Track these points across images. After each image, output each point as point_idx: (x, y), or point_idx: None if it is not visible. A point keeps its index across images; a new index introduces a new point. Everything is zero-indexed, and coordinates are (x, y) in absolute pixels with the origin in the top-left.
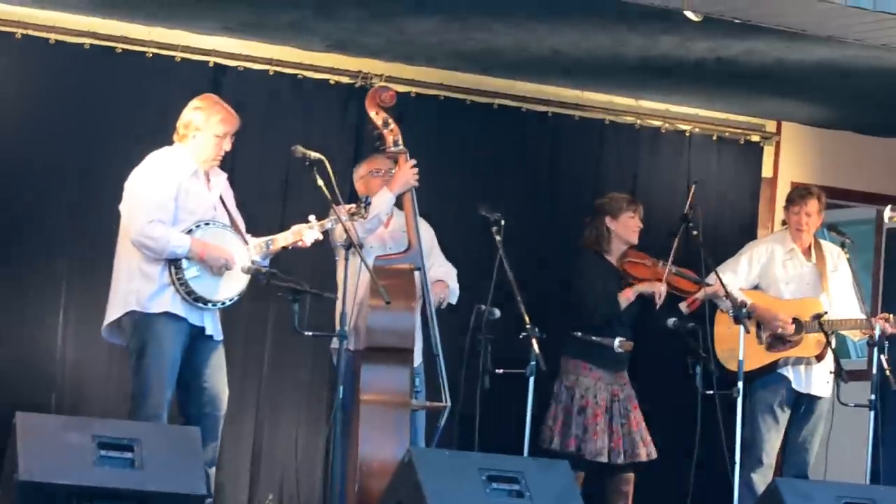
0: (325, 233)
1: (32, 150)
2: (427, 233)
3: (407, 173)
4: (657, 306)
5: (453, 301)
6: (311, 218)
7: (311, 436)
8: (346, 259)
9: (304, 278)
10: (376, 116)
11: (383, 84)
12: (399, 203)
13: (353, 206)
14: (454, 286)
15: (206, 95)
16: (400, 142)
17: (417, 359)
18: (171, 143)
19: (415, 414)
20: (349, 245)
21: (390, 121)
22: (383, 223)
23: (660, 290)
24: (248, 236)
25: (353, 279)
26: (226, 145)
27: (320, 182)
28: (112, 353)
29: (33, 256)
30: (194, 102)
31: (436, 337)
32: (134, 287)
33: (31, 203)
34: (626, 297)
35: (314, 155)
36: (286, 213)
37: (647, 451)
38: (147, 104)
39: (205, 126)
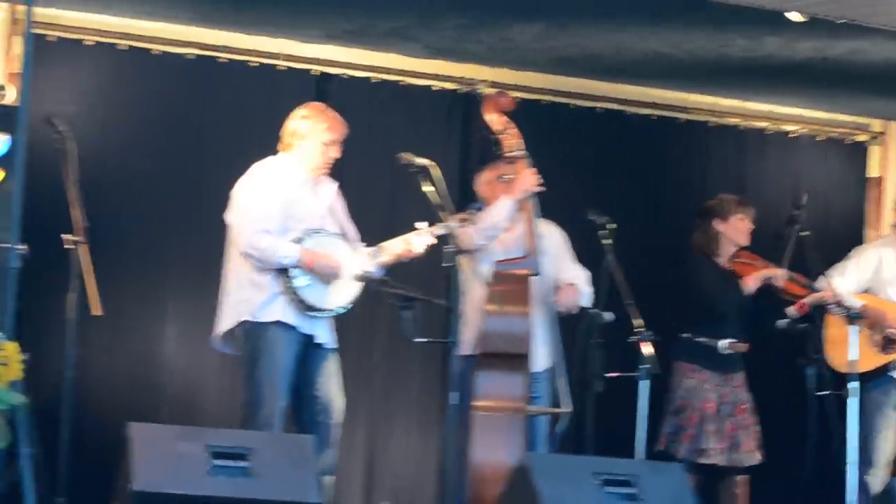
0: (439, 238)
1: (137, 161)
2: (556, 237)
3: (527, 179)
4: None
5: (586, 304)
6: (420, 224)
7: (425, 443)
8: (453, 266)
9: (416, 285)
10: (495, 121)
11: (501, 90)
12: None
13: (463, 213)
14: (585, 289)
15: (313, 104)
16: (520, 147)
17: (540, 364)
18: (275, 152)
19: (535, 419)
20: (457, 252)
21: (508, 125)
22: (505, 229)
23: (779, 274)
24: (360, 245)
25: (469, 285)
26: (333, 153)
27: (428, 189)
28: (223, 361)
29: (141, 267)
30: (300, 111)
31: (557, 343)
32: (245, 296)
33: (138, 213)
34: (749, 284)
35: (421, 161)
36: (394, 221)
37: (755, 454)
38: (251, 113)
39: (311, 134)
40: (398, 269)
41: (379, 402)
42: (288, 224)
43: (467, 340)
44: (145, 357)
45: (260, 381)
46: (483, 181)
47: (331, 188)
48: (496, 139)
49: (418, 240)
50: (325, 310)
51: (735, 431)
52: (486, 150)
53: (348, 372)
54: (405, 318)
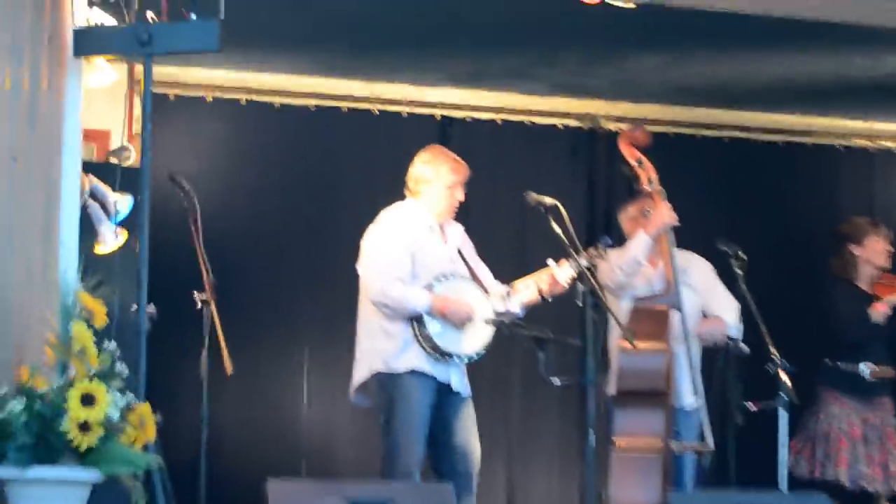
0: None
1: (263, 215)
2: (701, 268)
3: (663, 213)
4: None
5: (734, 335)
6: (550, 262)
7: (566, 486)
8: (587, 305)
9: (552, 326)
10: (630, 155)
11: (637, 124)
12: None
13: (592, 249)
14: (732, 320)
15: (433, 147)
16: (655, 181)
17: (686, 400)
18: (402, 198)
19: (681, 457)
20: (590, 291)
21: (644, 160)
22: (643, 266)
23: None
24: (496, 284)
25: (612, 324)
26: (458, 195)
27: (556, 228)
28: (359, 412)
29: (272, 322)
30: (421, 156)
31: (697, 379)
32: (378, 346)
33: (266, 268)
34: (879, 310)
35: (548, 201)
36: (523, 262)
37: None
38: (375, 161)
39: (435, 178)
40: (532, 311)
41: (517, 446)
42: (417, 270)
43: (611, 378)
44: (279, 413)
45: (397, 431)
46: (627, 216)
47: (457, 231)
48: (633, 174)
49: (561, 272)
50: (459, 355)
51: (886, 458)
52: (615, 186)
53: (484, 416)
54: (541, 359)
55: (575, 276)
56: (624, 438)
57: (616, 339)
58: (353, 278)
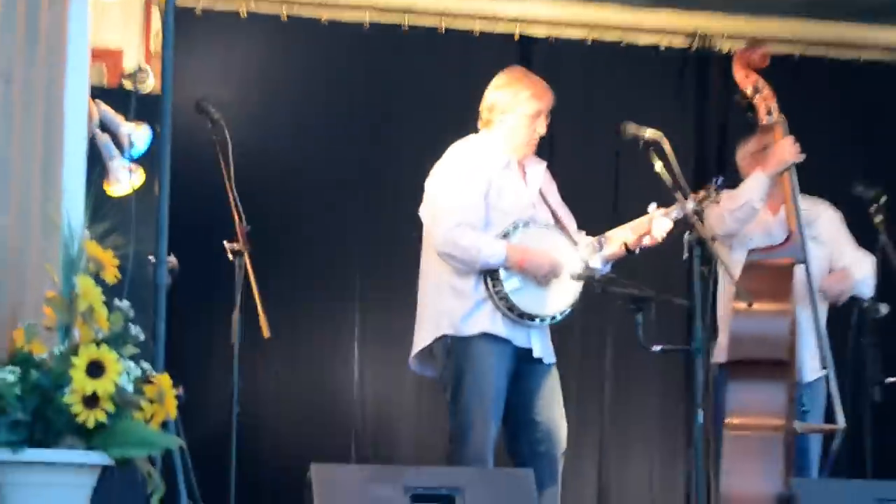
0: (677, 223)
1: (306, 152)
2: (828, 217)
3: (784, 149)
4: None
5: (866, 294)
6: (652, 207)
7: (669, 472)
8: (695, 258)
9: (651, 282)
10: (745, 81)
11: (753, 43)
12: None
13: (702, 191)
14: (863, 276)
15: (513, 69)
16: (774, 111)
17: (810, 372)
18: (475, 130)
19: (805, 439)
20: (698, 241)
21: (762, 86)
22: (758, 211)
23: None
24: (580, 235)
25: (721, 280)
26: (540, 128)
27: (658, 165)
28: (420, 385)
29: (318, 276)
30: (497, 80)
31: (825, 347)
32: (445, 306)
33: (310, 215)
34: None
35: (649, 133)
36: (618, 207)
37: None
38: (442, 89)
39: (513, 106)
40: (628, 265)
41: (610, 425)
42: (492, 216)
43: (721, 346)
44: (326, 386)
45: (467, 407)
46: (744, 154)
47: (539, 169)
48: (748, 102)
49: (658, 223)
50: (541, 317)
51: None
52: (728, 118)
53: (570, 390)
54: (638, 322)
55: (671, 228)
56: (738, 417)
57: (728, 299)
58: (416, 224)
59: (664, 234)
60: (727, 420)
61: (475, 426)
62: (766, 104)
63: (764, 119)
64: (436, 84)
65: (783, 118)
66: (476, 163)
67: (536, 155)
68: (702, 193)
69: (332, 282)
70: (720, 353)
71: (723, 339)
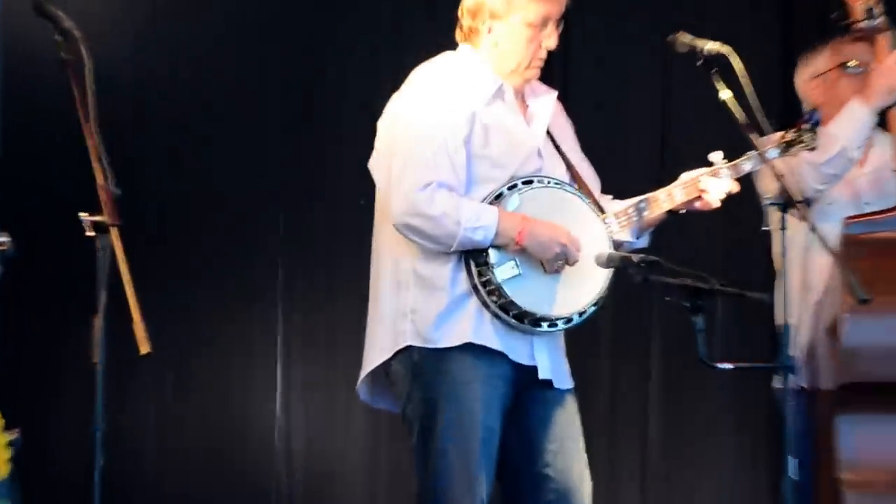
0: (742, 180)
1: (210, 84)
2: None
3: (893, 69)
4: None
5: None
6: (716, 156)
7: None
8: (784, 227)
9: (710, 268)
10: None
11: None
12: (882, 121)
13: (790, 131)
14: None
15: None
16: (877, 13)
17: None
18: (451, 46)
19: None
20: (786, 203)
21: None
22: (856, 161)
23: None
24: (605, 199)
25: (799, 262)
26: (548, 40)
27: (725, 93)
28: (373, 421)
29: (222, 265)
30: None
31: None
32: (407, 305)
33: (213, 173)
34: None
35: (710, 46)
36: (665, 151)
37: None
38: None
39: (507, 9)
40: (675, 240)
41: (654, 479)
42: (477, 171)
43: (807, 364)
44: (234, 421)
45: (443, 455)
46: (806, 76)
47: (547, 103)
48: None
49: (713, 184)
50: (550, 319)
51: None
52: (815, 23)
53: (598, 427)
54: (698, 328)
55: (734, 189)
56: (857, 470)
57: (822, 289)
58: (363, 190)
59: (722, 197)
60: (840, 475)
61: (455, 484)
62: (863, 3)
63: (860, 22)
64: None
65: (888, 23)
66: (452, 93)
67: (543, 81)
68: (790, 134)
69: (242, 272)
70: (825, 375)
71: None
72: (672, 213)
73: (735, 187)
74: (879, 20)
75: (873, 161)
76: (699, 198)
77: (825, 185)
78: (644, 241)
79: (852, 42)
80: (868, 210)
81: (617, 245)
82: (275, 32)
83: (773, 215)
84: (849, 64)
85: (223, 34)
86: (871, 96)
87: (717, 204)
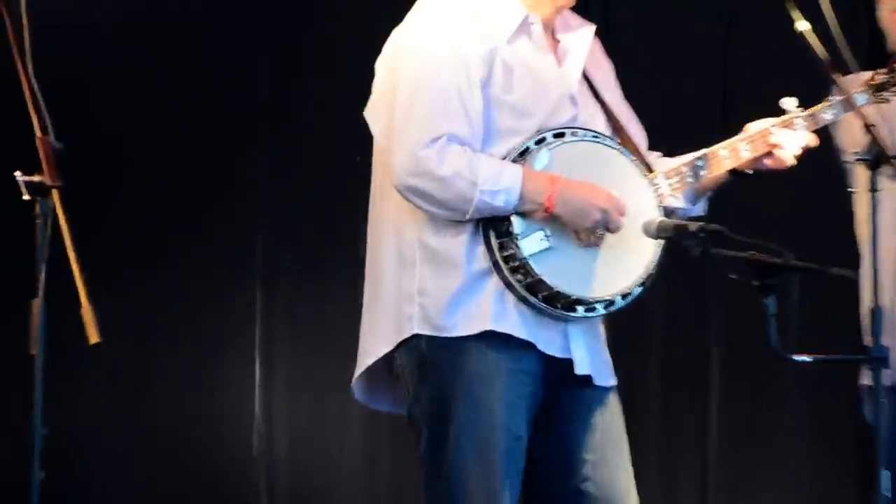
0: (824, 131)
1: (145, 43)
2: None
3: None
4: None
5: None
6: (789, 103)
7: None
8: (874, 189)
9: (786, 241)
10: None
11: None
12: None
13: (881, 72)
14: None
15: None
16: None
17: None
18: None
19: None
20: (877, 158)
21: None
22: None
23: None
24: (653, 156)
25: (892, 231)
26: None
27: (801, 23)
28: (372, 425)
29: (198, 236)
30: None
31: None
32: (414, 285)
33: (181, 137)
34: None
35: None
36: (728, 98)
37: None
38: None
39: None
40: (732, 207)
41: (720, 486)
42: (497, 121)
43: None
44: (207, 426)
45: (459, 464)
46: (893, 4)
47: (583, 38)
48: None
49: (787, 137)
50: (588, 302)
51: None
52: None
53: (646, 430)
54: (770, 312)
55: (813, 143)
56: None
57: None
58: (359, 147)
59: (798, 153)
60: None
61: (473, 494)
62: None
63: None
64: None
65: None
66: (467, 25)
67: (579, 12)
68: (881, 76)
69: (214, 247)
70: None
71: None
72: (736, 174)
73: (814, 140)
74: None
75: None
76: (770, 154)
77: None
78: (701, 208)
79: None
80: None
81: (668, 212)
82: None
83: (861, 174)
84: None
85: None
86: None
87: (792, 161)
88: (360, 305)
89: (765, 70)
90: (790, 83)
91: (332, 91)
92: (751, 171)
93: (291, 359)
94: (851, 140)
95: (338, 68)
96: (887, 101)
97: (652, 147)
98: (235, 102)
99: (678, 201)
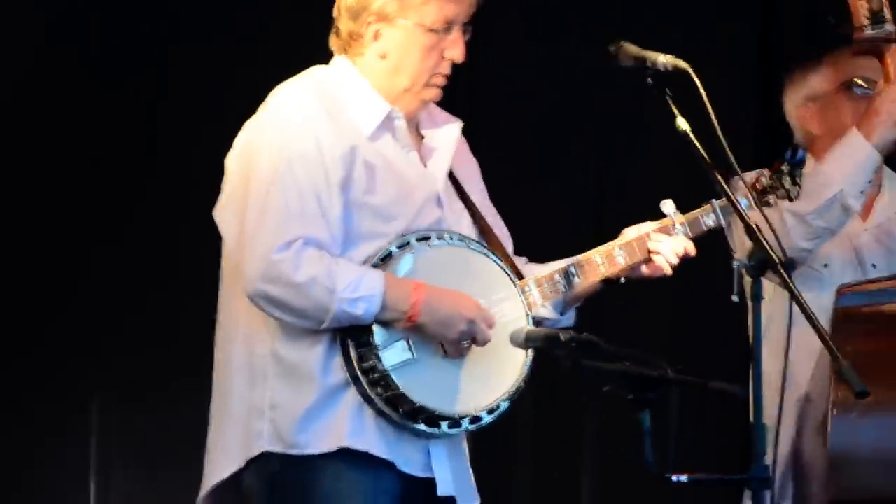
0: (712, 234)
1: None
2: None
3: None
4: None
5: None
6: (668, 206)
7: None
8: (758, 297)
9: (661, 350)
10: None
11: None
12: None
13: (765, 174)
14: None
15: None
16: (887, 16)
17: None
18: (324, 59)
19: None
20: (761, 265)
21: None
22: (856, 211)
23: None
24: (520, 262)
25: (781, 341)
26: (452, 51)
27: (681, 121)
28: None
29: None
30: None
31: None
32: (265, 399)
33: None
34: None
35: (664, 60)
36: (603, 200)
37: None
38: None
39: (400, 8)
40: (613, 315)
41: None
42: (358, 225)
43: (796, 476)
44: None
45: None
46: (797, 99)
47: (449, 135)
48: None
49: (665, 243)
50: (451, 417)
51: None
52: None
53: None
54: (646, 428)
55: (692, 251)
56: None
57: (815, 382)
58: (206, 250)
59: (675, 262)
60: None
61: None
62: (867, 6)
63: (865, 29)
64: None
65: None
66: (324, 121)
67: (445, 107)
68: (765, 178)
69: (44, 354)
70: (816, 495)
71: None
72: (610, 283)
73: (691, 248)
74: (889, 26)
75: (881, 211)
76: (648, 260)
77: (815, 241)
78: (570, 319)
79: (856, 56)
80: (876, 275)
81: (537, 322)
82: (105, 41)
83: (746, 281)
84: (854, 83)
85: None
86: (874, 128)
87: (668, 270)
88: (206, 420)
89: (643, 170)
90: (671, 184)
91: (179, 188)
92: (622, 280)
93: (131, 478)
94: (736, 244)
95: (185, 164)
96: (770, 205)
97: (519, 252)
98: (79, 204)
99: (547, 310)
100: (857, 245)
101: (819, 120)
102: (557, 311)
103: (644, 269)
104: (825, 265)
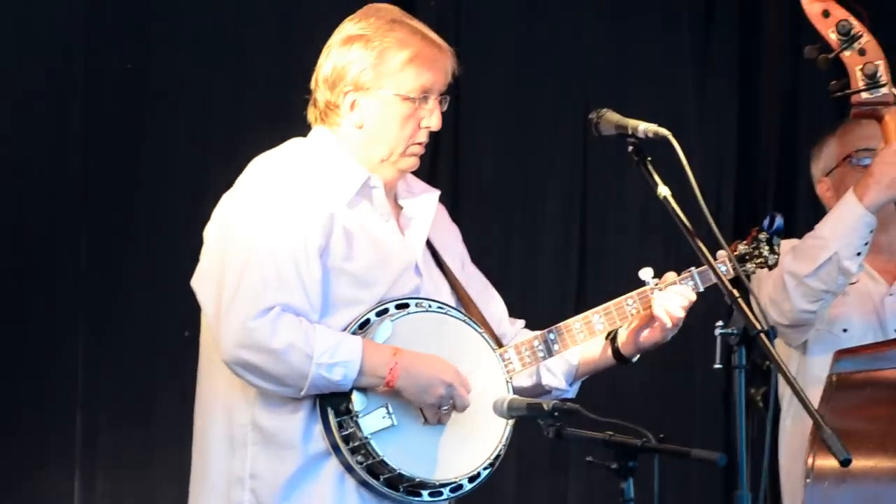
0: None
1: None
2: None
3: None
4: None
5: None
6: (646, 273)
7: None
8: (741, 365)
9: (646, 420)
10: (822, 21)
11: None
12: None
13: (742, 242)
14: None
15: (375, 6)
16: (883, 79)
17: None
18: (301, 131)
19: None
20: (742, 334)
21: (857, 29)
22: (854, 274)
23: None
24: (517, 325)
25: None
26: (429, 120)
27: (662, 188)
28: None
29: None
30: (348, 27)
31: None
32: (245, 468)
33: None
34: None
35: (645, 127)
36: (585, 268)
37: None
38: (237, 47)
39: (375, 80)
40: (597, 385)
41: None
42: (336, 292)
43: None
44: None
45: None
46: (821, 170)
47: (427, 204)
48: (829, 59)
49: (662, 299)
50: (432, 485)
51: None
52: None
53: None
54: (627, 497)
55: (682, 316)
56: None
57: (798, 447)
58: (188, 317)
59: (678, 318)
60: None
61: None
62: (865, 64)
63: (861, 93)
64: (218, 40)
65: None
66: (302, 191)
67: (422, 176)
68: (742, 246)
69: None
70: None
71: None
72: (623, 361)
73: (685, 305)
74: (885, 90)
75: (879, 269)
76: (645, 324)
77: (817, 303)
78: (574, 391)
79: (855, 119)
80: (880, 338)
81: (519, 391)
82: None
83: (786, 352)
84: (853, 154)
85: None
86: (867, 190)
87: (669, 321)
88: (185, 492)
89: (622, 239)
90: (648, 253)
91: (159, 258)
92: (634, 360)
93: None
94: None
95: (165, 235)
96: (748, 273)
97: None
98: (58, 271)
99: (557, 380)
100: (880, 309)
101: (834, 194)
102: (567, 381)
103: (643, 335)
104: (844, 329)
